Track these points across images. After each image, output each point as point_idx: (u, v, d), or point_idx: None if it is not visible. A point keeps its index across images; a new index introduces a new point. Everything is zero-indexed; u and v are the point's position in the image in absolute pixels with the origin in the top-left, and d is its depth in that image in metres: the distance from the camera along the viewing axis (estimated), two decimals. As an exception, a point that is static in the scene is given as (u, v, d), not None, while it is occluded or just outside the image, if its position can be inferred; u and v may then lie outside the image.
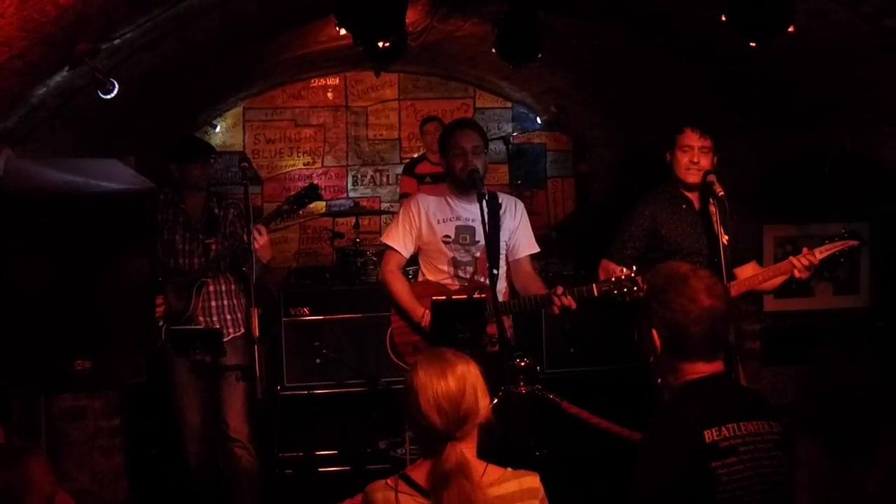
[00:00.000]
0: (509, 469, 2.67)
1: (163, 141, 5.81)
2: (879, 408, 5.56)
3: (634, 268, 4.43)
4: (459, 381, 2.56)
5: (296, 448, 6.50)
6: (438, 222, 4.80)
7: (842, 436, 5.59)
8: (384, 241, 4.97)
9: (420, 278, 4.97)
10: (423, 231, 4.82)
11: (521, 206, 4.97)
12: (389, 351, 4.84)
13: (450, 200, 4.83)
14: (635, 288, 4.36)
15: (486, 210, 4.51)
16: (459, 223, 4.78)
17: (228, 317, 5.19)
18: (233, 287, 5.22)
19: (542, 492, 2.67)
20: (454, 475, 2.50)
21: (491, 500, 2.57)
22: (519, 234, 4.88)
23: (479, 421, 2.60)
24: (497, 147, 9.08)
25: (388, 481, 2.63)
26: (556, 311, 4.51)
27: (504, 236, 4.81)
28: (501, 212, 4.81)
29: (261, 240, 4.73)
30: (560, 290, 4.49)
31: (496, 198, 4.86)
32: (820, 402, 6.23)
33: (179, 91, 6.14)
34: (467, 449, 2.58)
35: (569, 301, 4.46)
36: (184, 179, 5.15)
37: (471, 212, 4.71)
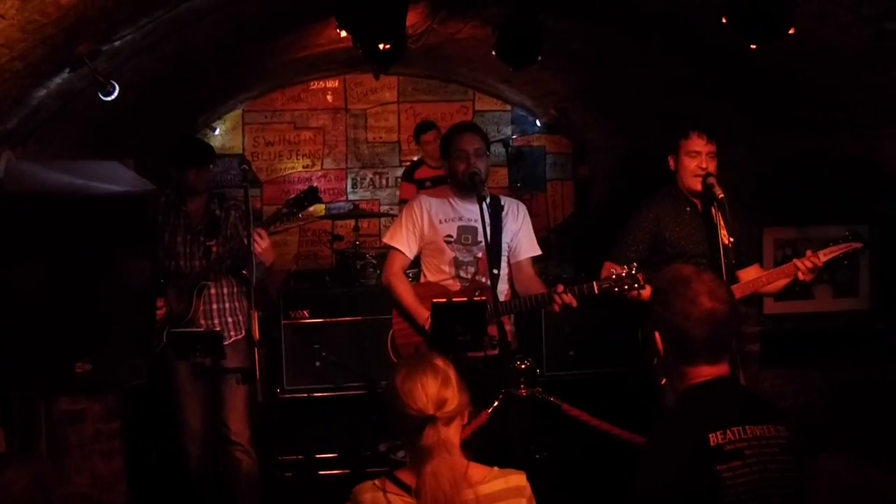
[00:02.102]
0: (495, 468, 2.67)
1: (162, 143, 5.80)
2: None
3: (635, 265, 4.43)
4: (439, 369, 2.62)
5: (296, 451, 6.48)
6: (441, 222, 4.80)
7: (867, 443, 5.57)
8: (387, 242, 4.95)
9: (422, 279, 4.96)
10: (426, 231, 4.81)
11: (523, 208, 4.96)
12: (390, 352, 4.83)
13: (452, 201, 4.82)
14: (636, 285, 4.37)
15: (486, 211, 4.51)
16: (462, 223, 4.78)
17: (230, 319, 5.17)
18: (234, 290, 5.20)
19: (529, 490, 2.68)
20: (435, 448, 2.53)
21: (478, 498, 2.57)
22: (521, 237, 4.87)
23: (461, 409, 2.61)
24: (496, 150, 9.08)
25: (376, 482, 2.64)
26: (557, 308, 4.49)
27: (506, 238, 4.81)
28: (504, 213, 4.81)
29: (262, 243, 4.72)
30: (560, 287, 4.48)
31: (499, 200, 4.87)
32: (841, 409, 6.23)
33: (179, 93, 6.14)
34: (449, 432, 2.59)
35: (570, 298, 4.45)
36: (182, 183, 5.13)
37: (473, 212, 4.69)
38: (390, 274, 4.86)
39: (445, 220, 4.80)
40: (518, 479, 2.67)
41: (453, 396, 2.59)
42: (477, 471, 2.63)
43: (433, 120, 8.45)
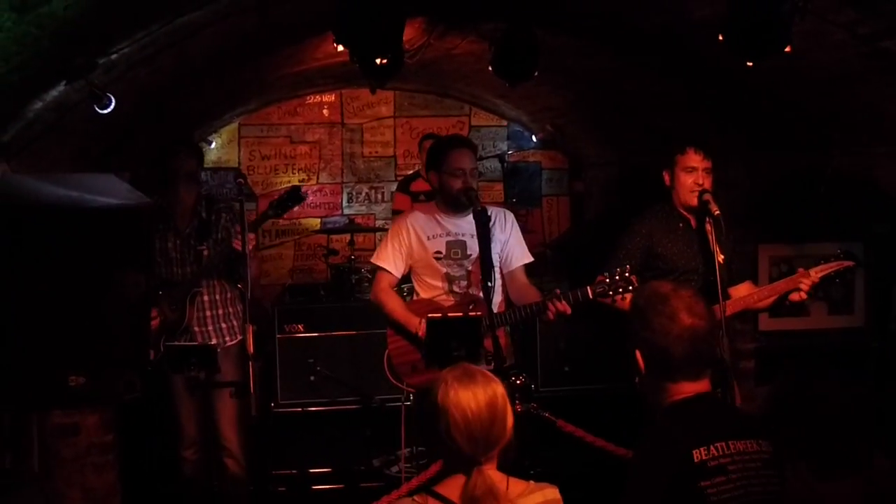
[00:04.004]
0: (532, 482, 2.65)
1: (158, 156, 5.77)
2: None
3: (628, 266, 4.42)
4: (490, 407, 2.53)
5: (289, 466, 6.46)
6: (429, 238, 4.80)
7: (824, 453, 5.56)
8: (374, 262, 4.95)
9: (414, 297, 4.96)
10: (414, 249, 4.82)
11: (510, 216, 4.96)
12: (388, 373, 4.81)
13: (438, 217, 4.83)
14: (630, 287, 4.35)
15: (477, 224, 4.52)
16: (450, 238, 4.78)
17: (224, 325, 5.15)
18: (227, 295, 5.17)
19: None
20: (484, 499, 2.49)
21: None
22: (511, 245, 4.87)
23: (504, 444, 2.58)
24: (492, 165, 9.11)
25: (416, 498, 2.60)
26: (552, 316, 4.45)
27: (496, 248, 4.79)
28: (492, 224, 4.80)
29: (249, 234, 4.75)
30: (557, 292, 4.47)
31: (485, 211, 4.86)
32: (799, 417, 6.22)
33: (175, 106, 6.13)
34: (491, 468, 2.56)
35: (563, 306, 4.40)
36: (169, 172, 5.08)
37: (460, 227, 4.73)
38: (378, 291, 4.86)
39: (433, 237, 4.80)
40: (553, 492, 2.66)
41: (502, 437, 2.55)
42: (516, 485, 2.60)
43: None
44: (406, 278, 5.04)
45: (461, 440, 2.51)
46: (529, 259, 4.93)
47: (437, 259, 4.78)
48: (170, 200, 5.12)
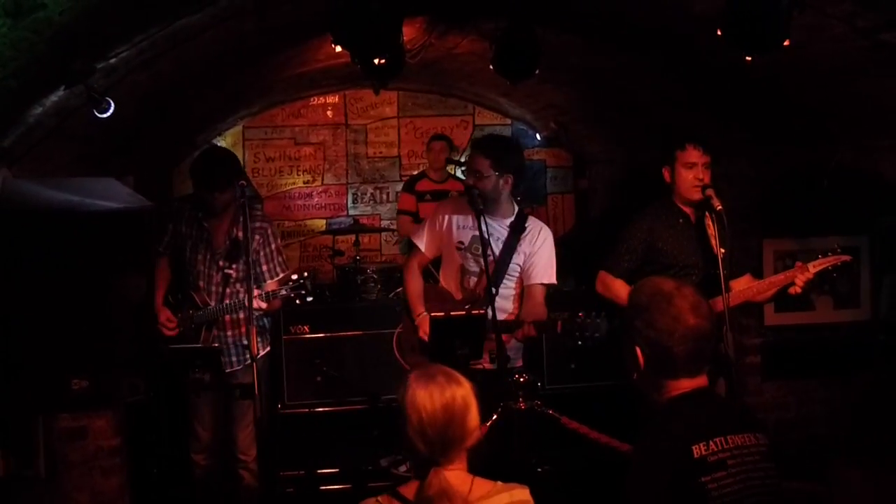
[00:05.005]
0: (499, 482, 2.62)
1: (162, 160, 5.76)
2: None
3: (604, 314, 4.43)
4: (446, 409, 2.53)
5: (297, 467, 6.46)
6: (458, 228, 4.91)
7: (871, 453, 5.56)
8: (410, 236, 5.20)
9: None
10: (444, 234, 4.94)
11: (545, 233, 4.97)
12: (395, 348, 4.92)
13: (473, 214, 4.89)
14: (597, 334, 4.41)
15: (484, 227, 4.61)
16: (477, 233, 4.81)
17: (245, 342, 5.14)
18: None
19: None
20: (437, 500, 2.49)
21: None
22: (535, 261, 4.89)
23: (467, 445, 2.57)
24: (496, 164, 9.08)
25: (379, 498, 2.60)
26: (520, 336, 4.62)
27: (517, 258, 4.84)
28: (523, 235, 4.85)
29: (260, 303, 4.86)
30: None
31: (524, 220, 4.89)
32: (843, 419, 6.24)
33: (178, 110, 6.14)
34: (453, 470, 2.55)
35: (529, 329, 4.57)
36: (204, 202, 5.06)
37: (491, 227, 4.78)
38: (406, 269, 5.08)
39: (463, 227, 4.91)
40: (522, 493, 2.63)
41: (460, 438, 2.54)
42: (481, 486, 2.59)
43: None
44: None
45: (417, 440, 2.52)
46: (551, 280, 4.93)
47: (459, 249, 4.88)
48: (206, 213, 5.11)
